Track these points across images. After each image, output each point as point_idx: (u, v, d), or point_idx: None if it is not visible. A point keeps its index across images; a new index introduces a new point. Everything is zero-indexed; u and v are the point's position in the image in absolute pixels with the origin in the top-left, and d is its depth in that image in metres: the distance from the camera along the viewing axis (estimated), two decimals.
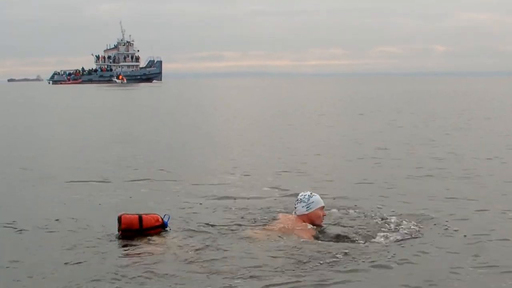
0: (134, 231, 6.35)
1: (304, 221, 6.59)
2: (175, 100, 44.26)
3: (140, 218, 6.39)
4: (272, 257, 5.65)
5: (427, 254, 5.79)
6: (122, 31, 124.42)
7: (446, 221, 6.88)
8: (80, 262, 5.66)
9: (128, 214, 6.49)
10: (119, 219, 6.40)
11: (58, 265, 5.60)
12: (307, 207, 6.63)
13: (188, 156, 13.22)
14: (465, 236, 6.38)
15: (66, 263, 5.63)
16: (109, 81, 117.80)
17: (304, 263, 5.50)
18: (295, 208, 6.73)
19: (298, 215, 6.67)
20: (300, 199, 6.70)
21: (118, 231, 6.42)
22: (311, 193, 6.76)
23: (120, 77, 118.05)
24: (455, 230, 6.56)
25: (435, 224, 6.79)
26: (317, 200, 6.69)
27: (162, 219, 6.54)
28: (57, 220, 7.18)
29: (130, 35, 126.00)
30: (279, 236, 6.24)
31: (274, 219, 6.88)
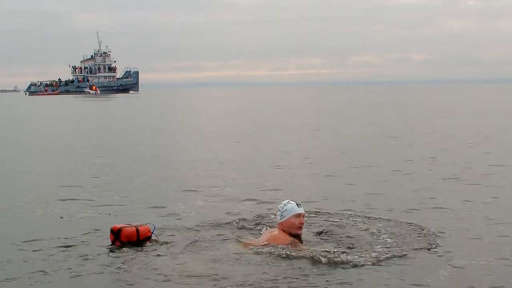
0: (132, 243, 6.58)
1: (284, 230, 6.51)
2: (146, 111, 45.46)
3: (137, 230, 6.62)
4: (248, 272, 5.72)
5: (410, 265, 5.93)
6: (99, 42, 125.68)
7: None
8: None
9: (126, 226, 6.69)
10: (119, 231, 6.59)
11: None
12: (280, 216, 6.55)
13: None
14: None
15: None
16: (82, 92, 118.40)
17: (278, 277, 5.56)
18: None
19: (278, 224, 6.64)
20: (278, 207, 6.66)
21: (113, 242, 6.62)
22: (287, 201, 6.65)
23: (94, 88, 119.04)
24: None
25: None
26: (291, 208, 6.53)
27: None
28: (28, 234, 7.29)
29: (106, 46, 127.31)
30: (259, 250, 6.23)
31: (260, 231, 7.00)
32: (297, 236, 6.50)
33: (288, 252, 6.09)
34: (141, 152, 16.58)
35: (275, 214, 6.95)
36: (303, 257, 5.98)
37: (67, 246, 6.62)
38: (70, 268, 5.89)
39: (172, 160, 14.64)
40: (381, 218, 7.59)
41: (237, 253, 6.18)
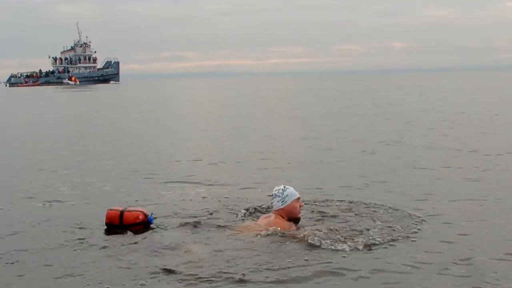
0: (115, 227, 6.61)
1: (282, 216, 6.59)
2: (121, 102, 45.73)
3: (121, 214, 6.61)
4: (251, 256, 5.70)
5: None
6: (79, 33, 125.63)
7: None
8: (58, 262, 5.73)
9: (112, 209, 6.75)
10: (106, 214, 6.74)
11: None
12: (282, 201, 6.62)
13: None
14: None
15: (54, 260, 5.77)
16: (61, 83, 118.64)
17: (282, 261, 5.55)
18: (272, 203, 6.73)
19: (275, 210, 6.66)
20: (275, 194, 6.68)
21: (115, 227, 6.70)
22: (284, 187, 6.75)
23: (73, 78, 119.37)
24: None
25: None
26: (291, 192, 6.67)
27: (146, 215, 6.69)
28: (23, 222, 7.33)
29: (87, 37, 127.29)
30: (258, 235, 6.24)
31: (253, 219, 6.97)
32: (296, 220, 6.68)
33: (290, 235, 6.21)
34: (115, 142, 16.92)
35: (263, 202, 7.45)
36: (305, 240, 6.04)
37: (64, 231, 6.76)
38: (67, 252, 6.01)
39: (151, 152, 14.80)
40: (377, 204, 7.65)
41: (238, 239, 6.19)
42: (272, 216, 6.62)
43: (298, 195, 6.71)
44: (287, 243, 6.04)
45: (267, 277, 5.23)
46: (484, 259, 5.63)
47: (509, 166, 11.18)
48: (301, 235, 6.20)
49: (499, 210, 7.58)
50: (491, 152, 12.70)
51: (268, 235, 6.23)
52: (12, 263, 5.77)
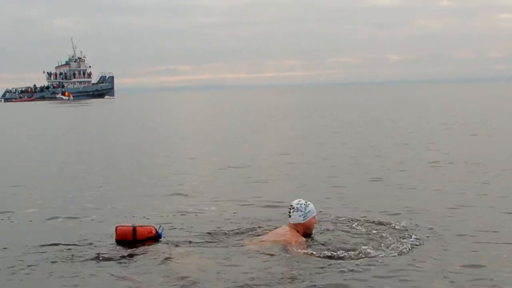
0: (128, 242, 6.58)
1: (298, 230, 6.50)
2: (114, 117, 45.72)
3: (134, 230, 6.61)
4: (266, 269, 5.66)
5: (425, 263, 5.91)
6: (73, 48, 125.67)
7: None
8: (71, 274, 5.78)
9: (123, 225, 6.80)
10: (115, 229, 6.71)
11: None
12: (304, 216, 6.53)
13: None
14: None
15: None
16: (55, 98, 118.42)
17: (297, 277, 5.48)
18: (290, 216, 6.58)
19: (293, 224, 6.55)
20: (297, 208, 6.55)
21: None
22: (306, 202, 6.64)
23: (66, 93, 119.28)
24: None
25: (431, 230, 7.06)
26: (313, 208, 6.63)
27: (157, 230, 6.71)
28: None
29: (81, 51, 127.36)
30: (275, 249, 6.16)
31: (268, 230, 6.86)
32: (308, 236, 6.60)
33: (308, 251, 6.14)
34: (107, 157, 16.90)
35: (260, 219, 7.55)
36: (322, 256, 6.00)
37: (71, 246, 6.70)
38: (74, 268, 5.96)
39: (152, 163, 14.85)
40: (379, 220, 7.49)
41: (253, 251, 6.13)
42: (287, 230, 6.53)
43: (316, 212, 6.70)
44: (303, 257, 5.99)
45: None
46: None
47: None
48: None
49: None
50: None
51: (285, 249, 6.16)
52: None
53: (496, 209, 8.27)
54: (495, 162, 12.81)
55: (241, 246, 6.36)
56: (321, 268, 5.68)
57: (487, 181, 10.58)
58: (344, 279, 5.41)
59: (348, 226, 7.23)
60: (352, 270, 5.60)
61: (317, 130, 24.67)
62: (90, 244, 6.77)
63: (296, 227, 6.52)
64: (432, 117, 30.34)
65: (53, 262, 6.16)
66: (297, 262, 5.83)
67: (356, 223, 7.28)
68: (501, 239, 6.74)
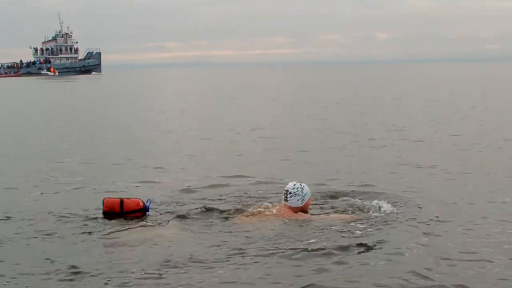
0: (115, 214, 6.53)
1: (294, 211, 6.42)
2: (99, 93, 45.21)
3: (121, 202, 6.57)
4: (255, 242, 5.63)
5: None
6: (60, 23, 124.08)
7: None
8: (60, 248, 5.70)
9: (110, 197, 6.78)
10: (103, 202, 6.67)
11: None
12: (302, 200, 6.47)
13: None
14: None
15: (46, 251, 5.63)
16: (40, 74, 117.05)
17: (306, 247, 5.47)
18: (287, 201, 6.47)
19: (290, 207, 6.46)
20: (294, 192, 6.44)
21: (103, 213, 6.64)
22: (301, 184, 6.55)
23: (52, 69, 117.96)
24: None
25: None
26: (308, 190, 6.55)
27: (144, 203, 6.66)
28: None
29: (68, 27, 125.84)
30: (280, 221, 6.18)
31: (266, 207, 6.56)
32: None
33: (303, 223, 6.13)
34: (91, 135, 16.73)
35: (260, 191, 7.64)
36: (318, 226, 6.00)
37: (61, 216, 6.72)
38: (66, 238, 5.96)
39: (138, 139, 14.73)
40: (376, 193, 7.51)
41: (243, 226, 6.08)
42: (285, 208, 6.47)
43: None
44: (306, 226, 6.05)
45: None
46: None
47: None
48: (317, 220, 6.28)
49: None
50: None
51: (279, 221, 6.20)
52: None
53: (496, 192, 7.96)
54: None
55: (233, 221, 6.30)
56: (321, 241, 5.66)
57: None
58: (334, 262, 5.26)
59: (339, 203, 7.10)
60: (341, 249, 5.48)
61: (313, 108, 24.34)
62: (75, 215, 6.78)
63: (293, 210, 6.46)
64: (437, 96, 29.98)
65: (34, 237, 6.04)
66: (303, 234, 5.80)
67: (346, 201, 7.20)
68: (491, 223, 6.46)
